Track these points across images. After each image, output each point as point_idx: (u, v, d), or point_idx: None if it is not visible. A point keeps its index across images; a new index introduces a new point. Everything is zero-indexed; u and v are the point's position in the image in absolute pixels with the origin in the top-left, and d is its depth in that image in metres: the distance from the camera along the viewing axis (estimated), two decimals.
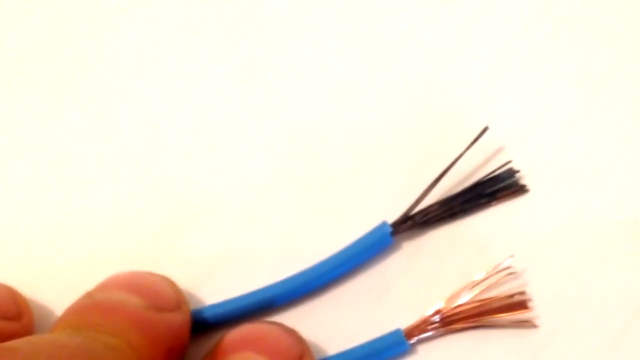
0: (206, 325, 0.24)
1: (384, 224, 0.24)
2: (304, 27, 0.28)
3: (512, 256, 0.24)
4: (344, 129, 0.26)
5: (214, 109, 0.27)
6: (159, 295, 0.22)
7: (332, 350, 0.23)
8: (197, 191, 0.26)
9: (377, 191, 0.25)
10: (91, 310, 0.21)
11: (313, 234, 0.25)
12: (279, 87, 0.27)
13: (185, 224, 0.25)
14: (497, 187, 0.25)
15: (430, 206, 0.25)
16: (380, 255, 0.25)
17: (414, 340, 0.23)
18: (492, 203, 0.25)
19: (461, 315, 0.23)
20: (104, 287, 0.23)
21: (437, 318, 0.23)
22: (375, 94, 0.27)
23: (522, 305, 0.23)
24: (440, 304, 0.24)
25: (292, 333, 0.22)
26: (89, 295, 0.22)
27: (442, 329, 0.23)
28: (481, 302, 0.23)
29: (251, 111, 0.27)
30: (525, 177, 0.25)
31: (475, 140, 0.25)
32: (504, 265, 0.24)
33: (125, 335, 0.20)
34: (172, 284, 0.23)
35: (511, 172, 0.25)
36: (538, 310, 0.24)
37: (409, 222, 0.24)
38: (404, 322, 0.23)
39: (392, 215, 0.24)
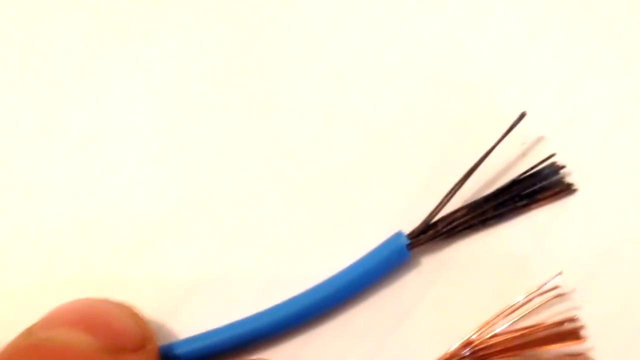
0: None
1: (399, 234, 0.23)
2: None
3: (559, 274, 0.22)
4: (347, 116, 0.25)
5: (190, 104, 0.25)
6: (117, 331, 0.20)
7: None
8: (167, 199, 0.24)
9: (389, 194, 0.24)
10: (30, 355, 0.19)
11: (311, 248, 0.23)
12: (276, 70, 0.25)
13: (152, 238, 0.24)
14: (538, 187, 0.23)
15: (455, 212, 0.23)
16: (394, 273, 0.23)
17: None
18: (532, 206, 0.23)
19: (497, 348, 0.22)
20: (48, 322, 0.21)
21: (467, 351, 0.22)
22: (387, 75, 0.25)
23: (573, 334, 0.22)
24: (470, 334, 0.22)
25: None
26: (29, 332, 0.20)
27: None
28: (522, 332, 0.22)
29: (234, 101, 0.25)
30: (571, 174, 0.24)
31: (510, 129, 0.23)
32: (550, 285, 0.22)
33: None
34: (134, 315, 0.21)
35: (555, 168, 0.24)
36: (593, 340, 0.22)
37: (430, 232, 0.23)
38: (426, 356, 0.22)
39: (409, 223, 0.23)
